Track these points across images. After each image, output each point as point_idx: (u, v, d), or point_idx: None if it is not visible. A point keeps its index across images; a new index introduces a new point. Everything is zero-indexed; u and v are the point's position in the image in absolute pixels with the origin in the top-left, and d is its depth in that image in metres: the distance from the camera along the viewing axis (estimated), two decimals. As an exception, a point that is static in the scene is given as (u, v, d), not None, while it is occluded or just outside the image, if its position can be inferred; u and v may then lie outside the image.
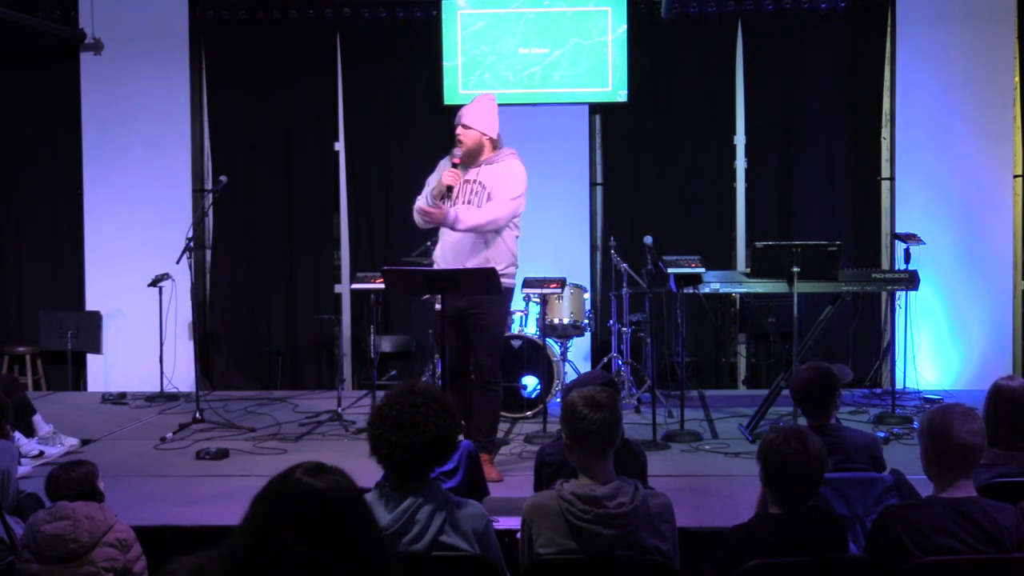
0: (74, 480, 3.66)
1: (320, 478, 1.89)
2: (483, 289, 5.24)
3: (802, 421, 4.10)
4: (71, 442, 6.26)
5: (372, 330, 7.20)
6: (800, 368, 4.08)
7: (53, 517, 3.54)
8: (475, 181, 5.43)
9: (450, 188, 5.36)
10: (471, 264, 5.31)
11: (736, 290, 6.74)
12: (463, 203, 5.40)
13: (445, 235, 5.47)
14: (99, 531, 3.54)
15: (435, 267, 5.44)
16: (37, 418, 6.22)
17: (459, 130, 5.44)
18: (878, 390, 7.76)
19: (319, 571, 1.82)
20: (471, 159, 5.45)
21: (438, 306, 5.28)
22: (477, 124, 5.44)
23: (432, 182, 5.54)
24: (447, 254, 5.44)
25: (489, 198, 5.40)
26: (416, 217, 5.53)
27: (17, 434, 5.84)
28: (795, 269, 6.07)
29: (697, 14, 8.46)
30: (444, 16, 8.49)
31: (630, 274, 7.44)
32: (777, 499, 3.02)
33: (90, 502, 3.60)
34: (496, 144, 5.51)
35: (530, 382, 7.08)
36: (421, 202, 5.48)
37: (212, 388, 8.45)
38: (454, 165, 5.38)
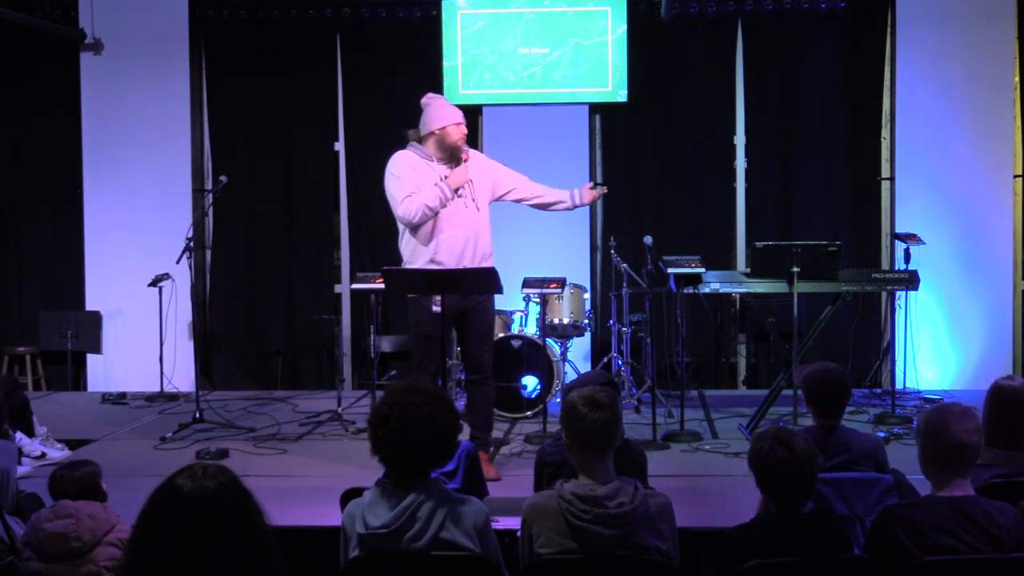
0: (77, 479, 3.66)
1: (191, 481, 2.00)
2: (486, 289, 5.27)
3: (804, 421, 4.09)
4: (59, 450, 6.21)
5: (372, 330, 7.20)
6: (812, 368, 4.01)
7: (55, 515, 3.54)
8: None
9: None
10: (482, 255, 5.44)
11: (736, 290, 6.74)
12: (458, 199, 5.46)
13: (454, 231, 5.43)
14: (101, 530, 3.54)
15: (442, 266, 5.35)
16: (33, 419, 6.22)
17: (463, 128, 5.51)
18: (878, 390, 7.77)
19: (200, 570, 1.93)
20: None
21: (436, 308, 5.25)
22: None
23: (414, 180, 5.42)
24: (457, 250, 5.41)
25: (480, 189, 5.52)
26: (420, 211, 5.37)
27: (20, 435, 5.84)
28: (795, 269, 6.08)
29: (697, 14, 8.46)
30: (444, 16, 8.49)
31: (630, 274, 7.44)
32: (775, 503, 3.03)
33: (92, 501, 3.61)
34: None
35: (530, 382, 7.08)
36: (434, 200, 5.37)
37: (212, 388, 8.45)
38: (463, 160, 5.48)
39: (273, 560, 2.01)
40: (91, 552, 3.51)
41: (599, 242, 8.59)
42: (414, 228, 5.45)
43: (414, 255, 5.48)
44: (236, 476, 2.06)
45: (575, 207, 5.87)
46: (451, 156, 5.48)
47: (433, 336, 5.24)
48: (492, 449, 5.88)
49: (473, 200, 5.51)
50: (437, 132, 5.47)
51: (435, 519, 2.88)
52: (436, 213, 5.40)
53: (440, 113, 5.51)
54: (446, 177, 5.42)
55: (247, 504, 2.04)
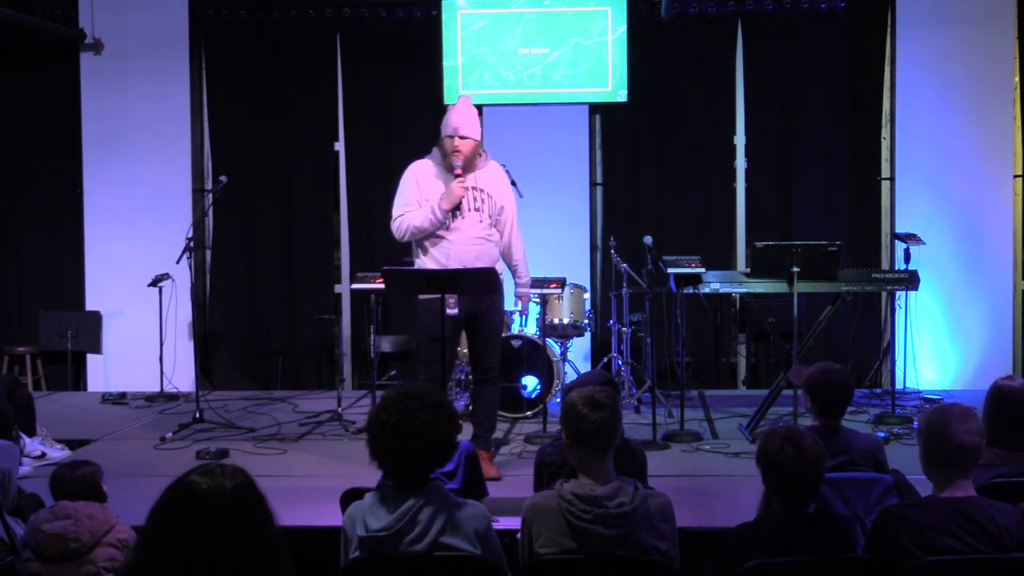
0: (79, 478, 3.66)
1: (208, 478, 2.02)
2: (486, 289, 5.26)
3: (803, 421, 4.08)
4: (59, 448, 6.22)
5: (372, 330, 7.21)
6: (816, 367, 3.98)
7: (54, 516, 3.53)
8: (476, 188, 5.45)
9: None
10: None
11: (736, 290, 6.74)
12: (471, 211, 5.41)
13: (462, 242, 5.39)
14: (100, 531, 3.54)
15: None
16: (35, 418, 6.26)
17: (457, 142, 5.38)
18: (878, 390, 7.76)
19: (210, 569, 1.94)
20: (469, 167, 5.43)
21: (451, 310, 5.24)
22: (472, 133, 5.42)
23: (415, 196, 5.40)
24: (468, 261, 5.35)
25: (495, 207, 5.47)
26: (409, 232, 5.39)
27: (25, 437, 5.85)
28: (795, 269, 6.08)
29: (697, 14, 8.46)
30: (444, 16, 8.49)
31: (630, 274, 7.44)
32: (780, 502, 3.04)
33: (91, 502, 3.60)
34: (480, 146, 5.53)
35: (530, 382, 7.08)
36: (423, 222, 5.36)
37: (212, 388, 8.45)
38: (458, 175, 5.36)
39: (281, 563, 2.02)
40: (90, 553, 3.50)
41: (599, 242, 8.59)
42: (420, 239, 5.44)
43: (423, 265, 5.46)
44: (252, 478, 2.07)
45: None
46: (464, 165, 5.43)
47: (435, 337, 5.20)
48: (493, 449, 5.88)
49: (484, 212, 5.44)
50: (441, 140, 5.47)
51: (435, 523, 2.88)
52: (432, 231, 5.37)
53: (444, 120, 5.49)
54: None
55: (261, 507, 2.04)
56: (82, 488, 3.64)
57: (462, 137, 5.38)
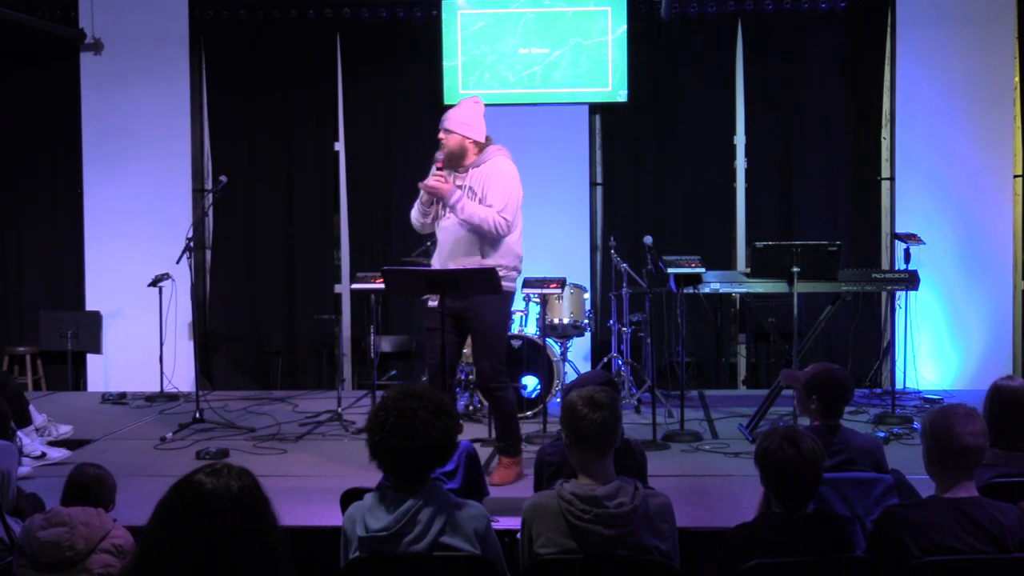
0: (89, 474, 3.65)
1: (214, 478, 2.03)
2: (483, 289, 5.19)
3: (803, 422, 4.08)
4: (64, 429, 6.32)
5: (372, 330, 7.20)
6: (818, 367, 3.97)
7: (49, 523, 3.47)
8: (466, 187, 5.36)
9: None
10: (466, 265, 5.22)
11: (736, 290, 6.74)
12: (449, 210, 5.37)
13: (443, 236, 5.41)
14: (95, 537, 3.48)
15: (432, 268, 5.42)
16: (31, 408, 6.31)
17: (440, 134, 5.39)
18: (878, 390, 7.76)
19: (210, 568, 1.95)
20: (455, 163, 5.37)
21: (433, 302, 5.20)
22: (458, 127, 5.35)
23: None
24: (444, 256, 5.36)
25: (481, 203, 5.35)
26: (416, 219, 5.52)
27: (21, 434, 5.85)
28: (795, 269, 6.08)
29: (697, 14, 8.46)
30: (444, 16, 8.49)
31: (630, 274, 7.44)
32: (779, 501, 3.04)
33: (87, 508, 3.56)
34: (483, 146, 5.41)
35: (530, 382, 7.08)
36: (413, 212, 5.54)
37: (212, 388, 8.45)
38: (438, 169, 5.33)
39: (282, 566, 2.02)
40: (85, 560, 3.45)
41: (599, 242, 8.59)
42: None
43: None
44: (258, 480, 2.08)
45: None
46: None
47: (432, 328, 5.24)
48: (516, 455, 5.49)
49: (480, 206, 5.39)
50: None
51: (435, 523, 2.88)
52: (428, 222, 5.46)
53: None
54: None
55: (265, 509, 2.05)
56: (87, 486, 3.62)
57: (446, 131, 5.38)
